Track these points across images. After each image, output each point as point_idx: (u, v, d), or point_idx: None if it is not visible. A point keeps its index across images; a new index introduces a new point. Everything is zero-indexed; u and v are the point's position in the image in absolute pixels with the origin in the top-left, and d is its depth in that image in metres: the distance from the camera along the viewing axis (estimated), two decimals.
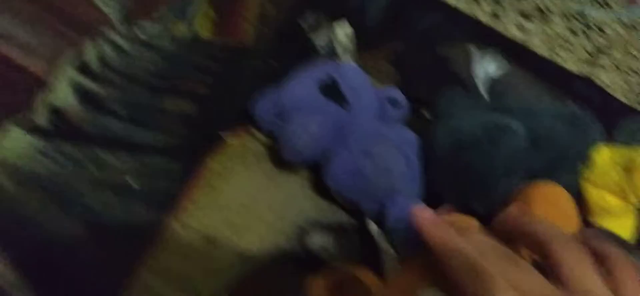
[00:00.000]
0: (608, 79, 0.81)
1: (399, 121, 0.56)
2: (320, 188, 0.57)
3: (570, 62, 0.81)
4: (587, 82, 0.81)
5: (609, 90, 0.81)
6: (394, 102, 0.55)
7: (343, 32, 0.54)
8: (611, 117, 0.78)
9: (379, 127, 0.52)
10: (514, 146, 0.45)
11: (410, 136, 0.51)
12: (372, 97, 0.55)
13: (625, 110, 0.80)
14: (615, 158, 0.44)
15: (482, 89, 0.56)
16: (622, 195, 0.43)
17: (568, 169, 0.46)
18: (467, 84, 0.61)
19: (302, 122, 0.50)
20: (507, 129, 0.45)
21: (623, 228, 0.45)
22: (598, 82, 0.82)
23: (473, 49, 0.60)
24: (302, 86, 0.53)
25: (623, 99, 0.81)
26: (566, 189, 0.46)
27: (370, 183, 0.50)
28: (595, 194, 0.45)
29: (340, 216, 0.58)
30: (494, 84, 0.58)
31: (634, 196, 0.43)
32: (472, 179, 0.46)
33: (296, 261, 0.54)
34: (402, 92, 0.55)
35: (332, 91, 0.53)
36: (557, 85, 0.78)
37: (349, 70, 0.55)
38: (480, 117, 0.47)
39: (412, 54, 0.71)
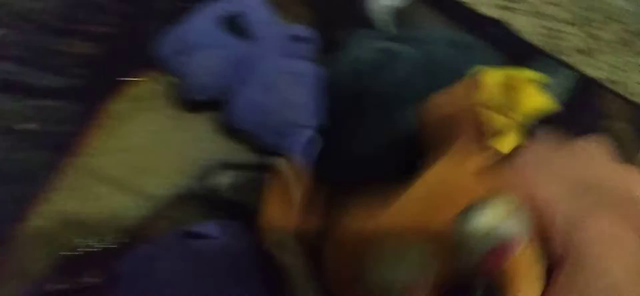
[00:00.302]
0: (520, 23, 0.83)
1: (305, 57, 0.55)
2: (227, 129, 0.56)
3: (484, 7, 0.83)
4: (500, 26, 0.83)
5: (521, 34, 0.83)
6: (299, 39, 0.55)
7: None
8: (522, 60, 0.81)
9: (281, 62, 0.51)
10: (406, 71, 0.45)
11: (313, 69, 0.51)
12: (277, 33, 0.54)
13: (535, 52, 0.83)
14: (501, 79, 0.45)
15: (384, 22, 0.56)
16: (509, 115, 0.44)
17: None
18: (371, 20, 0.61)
19: (198, 58, 0.49)
20: (399, 56, 0.46)
21: (511, 145, 0.47)
22: (510, 26, 0.84)
23: None
24: (203, 21, 0.52)
25: (535, 42, 0.84)
26: None
27: (272, 116, 0.50)
28: (485, 115, 0.46)
29: (246, 155, 0.57)
30: (399, 17, 0.58)
31: (515, 113, 0.45)
32: (366, 105, 0.46)
33: (200, 200, 0.53)
34: (316, 32, 0.54)
35: (235, 25, 0.52)
36: (469, 27, 0.79)
37: (252, 4, 0.54)
38: (376, 46, 0.47)
39: None
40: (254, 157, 0.57)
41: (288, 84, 0.49)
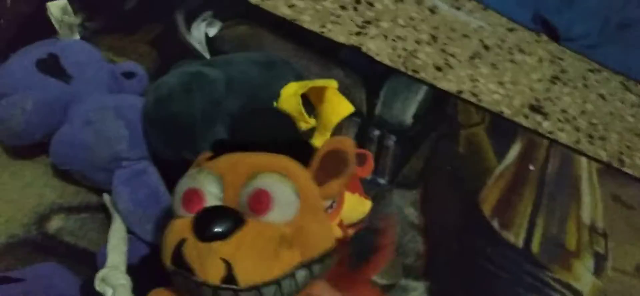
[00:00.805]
0: (375, 47, 0.89)
1: (135, 92, 0.56)
2: (62, 173, 0.56)
3: (340, 34, 0.88)
4: (355, 51, 0.88)
5: (376, 56, 0.88)
6: (128, 75, 0.56)
7: (56, 6, 0.54)
8: (377, 80, 0.86)
9: (101, 98, 0.52)
10: (209, 91, 0.47)
11: (135, 101, 0.52)
12: (99, 70, 0.55)
13: (389, 72, 0.88)
14: (299, 89, 0.48)
15: (201, 49, 0.58)
16: (303, 119, 0.47)
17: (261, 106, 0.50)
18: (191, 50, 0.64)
19: (16, 100, 0.49)
20: (201, 77, 0.47)
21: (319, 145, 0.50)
22: (365, 50, 0.89)
23: (180, 16, 0.63)
24: (19, 65, 0.52)
25: (389, 63, 0.90)
26: None
27: (93, 152, 0.50)
28: None
29: (83, 197, 0.57)
30: (214, 44, 0.61)
31: (309, 119, 0.48)
32: (176, 131, 0.48)
33: (33, 247, 0.52)
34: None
35: (52, 67, 0.52)
36: (325, 54, 0.84)
37: (71, 45, 0.55)
38: (181, 71, 0.49)
39: (168, 34, 0.73)
40: (89, 197, 0.57)
41: (108, 119, 0.49)
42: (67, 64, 0.53)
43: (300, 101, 0.46)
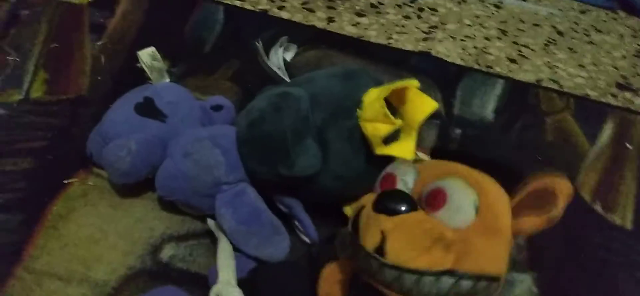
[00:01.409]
0: (444, 49, 0.89)
1: (225, 122, 0.60)
2: (168, 205, 0.60)
3: (407, 43, 0.89)
4: (425, 56, 0.88)
5: (447, 58, 0.88)
6: (217, 108, 0.60)
7: (146, 54, 0.59)
8: (452, 80, 0.86)
9: (196, 131, 0.56)
10: (296, 108, 0.49)
11: (228, 130, 0.56)
12: (191, 107, 0.59)
13: (463, 71, 0.88)
14: (381, 94, 0.49)
15: (281, 73, 0.61)
16: (389, 121, 0.48)
17: (346, 116, 0.51)
18: (271, 74, 0.68)
19: (121, 144, 0.54)
20: (287, 96, 0.50)
21: (406, 149, 0.50)
22: (434, 53, 0.89)
23: (259, 45, 0.66)
24: (119, 112, 0.57)
25: (460, 62, 0.89)
26: (349, 134, 0.51)
27: (194, 180, 0.54)
28: (370, 128, 0.50)
29: (190, 225, 0.61)
30: (292, 68, 0.64)
31: (395, 119, 0.48)
32: (269, 148, 0.50)
33: (150, 275, 0.56)
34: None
35: (149, 109, 0.57)
36: (395, 64, 0.85)
37: (163, 87, 0.59)
38: (268, 94, 0.52)
39: (246, 68, 0.77)
40: (195, 224, 0.60)
41: (205, 148, 0.53)
42: (162, 104, 0.57)
43: (383, 104, 0.47)
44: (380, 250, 0.37)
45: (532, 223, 0.39)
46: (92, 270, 0.56)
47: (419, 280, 0.36)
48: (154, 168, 0.55)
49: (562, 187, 0.39)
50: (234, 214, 0.52)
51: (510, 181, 0.44)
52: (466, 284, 0.37)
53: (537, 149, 0.77)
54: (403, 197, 0.40)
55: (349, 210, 0.59)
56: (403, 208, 0.38)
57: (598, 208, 0.72)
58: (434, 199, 0.39)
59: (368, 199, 0.42)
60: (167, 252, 0.58)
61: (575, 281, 0.64)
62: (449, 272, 0.37)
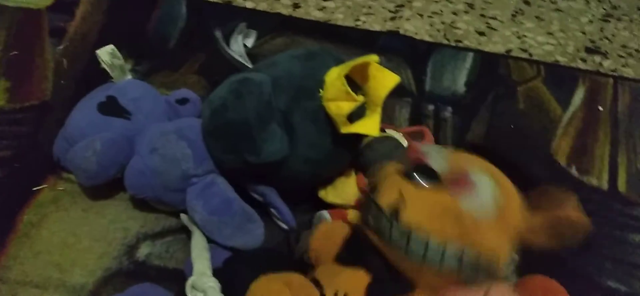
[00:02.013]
0: (412, 27, 0.89)
1: (191, 115, 0.59)
2: (142, 203, 0.59)
3: (375, 24, 0.89)
4: (393, 35, 0.88)
5: (415, 36, 0.88)
6: (182, 101, 0.59)
7: (105, 53, 0.58)
8: (421, 57, 0.86)
9: (161, 126, 0.55)
10: (258, 93, 0.49)
11: (194, 122, 0.55)
12: (156, 102, 0.59)
13: (432, 47, 0.88)
14: (341, 72, 0.49)
15: (243, 61, 0.61)
16: (351, 98, 0.48)
17: (309, 97, 0.51)
18: (235, 63, 0.67)
19: (86, 145, 0.53)
20: (248, 82, 0.50)
21: (371, 125, 0.50)
22: (403, 32, 0.89)
23: (218, 34, 0.66)
24: (83, 113, 0.56)
25: (429, 39, 0.89)
26: (314, 115, 0.51)
27: (163, 176, 0.53)
28: (333, 107, 0.49)
29: (165, 222, 0.61)
30: (260, 57, 0.63)
31: (357, 96, 0.48)
32: (234, 136, 0.50)
33: (127, 275, 0.56)
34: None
35: (113, 108, 0.56)
36: (363, 45, 0.85)
37: (126, 85, 0.59)
38: (229, 81, 0.52)
39: (212, 60, 0.77)
40: (170, 221, 0.60)
41: (171, 142, 0.52)
42: (125, 102, 0.56)
43: (345, 82, 0.47)
44: (394, 211, 0.38)
45: (546, 245, 0.42)
46: (68, 275, 0.55)
47: (426, 247, 0.37)
48: (122, 167, 0.55)
49: (582, 221, 0.42)
50: (205, 206, 0.52)
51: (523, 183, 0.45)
52: (468, 261, 0.38)
53: (511, 119, 0.78)
54: (430, 171, 0.41)
55: (324, 193, 0.58)
56: (427, 180, 0.40)
57: (573, 171, 0.73)
58: (458, 183, 0.40)
59: (399, 165, 0.43)
60: (143, 251, 0.58)
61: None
62: (453, 247, 0.38)
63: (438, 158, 0.42)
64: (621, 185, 0.72)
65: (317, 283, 0.41)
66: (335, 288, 0.39)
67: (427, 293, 0.40)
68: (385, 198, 0.39)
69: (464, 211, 0.38)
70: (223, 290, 0.47)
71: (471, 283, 0.39)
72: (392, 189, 0.39)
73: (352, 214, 0.54)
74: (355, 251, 0.41)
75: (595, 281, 0.62)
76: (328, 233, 0.48)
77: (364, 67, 0.48)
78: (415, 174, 0.40)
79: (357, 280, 0.40)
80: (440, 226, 0.38)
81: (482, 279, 0.39)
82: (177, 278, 0.55)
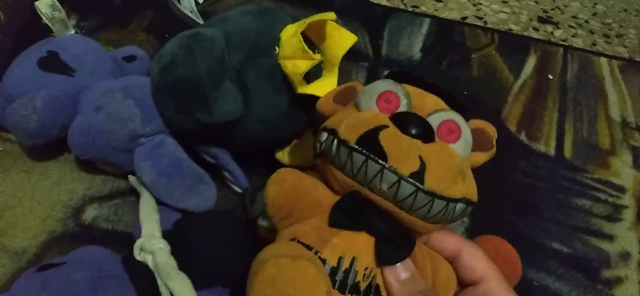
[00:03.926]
0: None
1: (139, 73, 0.57)
2: (88, 165, 0.57)
3: None
4: None
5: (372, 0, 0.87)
6: (129, 59, 0.57)
7: (45, 5, 0.54)
8: (378, 22, 0.85)
9: (106, 83, 0.52)
10: (210, 49, 0.47)
11: (141, 80, 0.53)
12: (101, 59, 0.56)
13: (389, 12, 0.87)
14: (298, 29, 0.48)
15: (194, 17, 0.59)
16: (308, 56, 0.47)
17: (264, 54, 0.50)
18: (185, 20, 0.65)
19: (25, 102, 0.50)
20: (199, 37, 0.47)
21: (329, 86, 0.49)
22: None
23: None
24: (21, 68, 0.53)
25: (386, 3, 0.88)
26: (269, 73, 0.49)
27: (109, 135, 0.51)
28: (290, 65, 0.48)
29: (113, 184, 0.58)
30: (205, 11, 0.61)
31: (314, 54, 0.47)
32: (185, 94, 0.48)
33: (73, 238, 0.54)
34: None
35: (54, 64, 0.53)
36: (319, 7, 0.83)
37: (68, 40, 0.55)
38: (180, 36, 0.49)
39: (162, 17, 0.74)
40: (118, 183, 0.58)
41: (117, 100, 0.50)
42: (67, 57, 0.53)
43: (301, 39, 0.45)
44: (418, 176, 0.36)
45: (483, 158, 0.42)
46: (9, 238, 0.53)
47: (446, 207, 0.37)
48: (66, 127, 0.52)
49: (493, 131, 0.44)
50: (153, 167, 0.50)
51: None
52: (468, 209, 0.39)
53: (465, 85, 0.78)
54: (425, 123, 0.38)
55: (281, 154, 0.57)
56: (430, 136, 0.38)
57: (523, 137, 0.75)
58: (450, 132, 0.39)
59: (379, 118, 0.39)
60: (89, 213, 0.56)
61: (503, 208, 0.67)
62: (463, 200, 0.38)
63: (406, 100, 0.41)
64: (567, 151, 0.74)
65: (305, 247, 0.38)
66: (338, 253, 0.37)
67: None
68: (406, 166, 0.36)
69: (464, 160, 0.39)
70: (173, 252, 0.46)
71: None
72: (411, 154, 0.37)
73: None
74: (352, 212, 0.39)
75: (539, 243, 0.64)
76: (296, 188, 0.41)
77: (321, 25, 0.47)
78: (422, 130, 0.38)
79: (360, 242, 0.38)
80: (455, 183, 0.37)
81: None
82: (126, 241, 0.53)
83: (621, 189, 0.71)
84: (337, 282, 0.37)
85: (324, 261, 0.37)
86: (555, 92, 0.82)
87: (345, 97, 0.44)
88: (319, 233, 0.39)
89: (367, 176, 0.37)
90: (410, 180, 0.36)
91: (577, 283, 0.63)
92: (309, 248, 0.38)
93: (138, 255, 0.46)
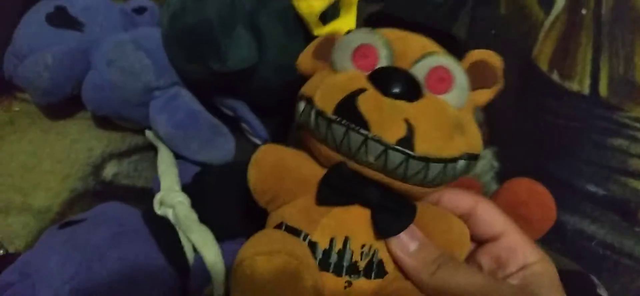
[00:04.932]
0: None
1: (149, 25, 0.55)
2: (105, 121, 0.56)
3: None
4: None
5: None
6: (140, 10, 0.55)
7: None
8: None
9: (117, 36, 0.51)
10: None
11: (152, 31, 0.51)
12: (110, 11, 0.54)
13: None
14: None
15: None
16: None
17: None
18: None
19: (36, 59, 0.49)
20: None
21: (347, 26, 0.47)
22: None
23: None
24: (30, 25, 0.52)
25: None
26: (282, 15, 0.47)
27: (122, 89, 0.50)
28: (304, 5, 0.46)
29: (131, 140, 0.57)
30: None
31: None
32: (196, 43, 0.46)
33: (94, 195, 0.53)
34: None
35: (63, 19, 0.52)
36: None
37: None
38: None
39: None
40: (136, 139, 0.57)
41: (129, 53, 0.48)
42: (76, 12, 0.52)
43: None
44: (406, 142, 0.31)
45: (487, 96, 0.37)
46: (31, 198, 0.53)
47: (444, 168, 0.33)
48: (79, 82, 0.51)
49: (497, 59, 0.37)
50: (169, 120, 0.48)
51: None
52: (473, 164, 0.35)
53: (492, 24, 0.74)
54: (409, 77, 0.34)
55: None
56: (416, 92, 0.33)
57: (555, 77, 0.71)
58: (441, 81, 0.34)
59: (355, 79, 0.34)
60: (109, 170, 0.55)
61: (535, 151, 0.64)
62: (465, 156, 0.34)
63: (385, 50, 0.35)
64: (603, 90, 0.70)
65: (293, 231, 0.35)
66: (329, 234, 0.34)
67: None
68: (392, 133, 0.32)
69: (458, 112, 0.34)
70: (193, 205, 0.45)
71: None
72: (395, 118, 0.32)
73: None
74: (340, 186, 0.35)
75: (574, 185, 0.62)
76: (278, 167, 0.37)
77: None
78: (404, 88, 0.33)
79: (353, 218, 0.34)
80: (452, 141, 0.33)
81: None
82: (146, 196, 0.52)
83: None
84: (331, 265, 0.34)
85: (314, 245, 0.34)
86: (589, 27, 0.77)
87: (324, 52, 0.38)
88: (307, 214, 0.35)
89: (351, 149, 0.33)
90: (398, 148, 0.31)
91: (614, 226, 0.60)
92: (298, 232, 0.35)
93: (158, 209, 0.45)
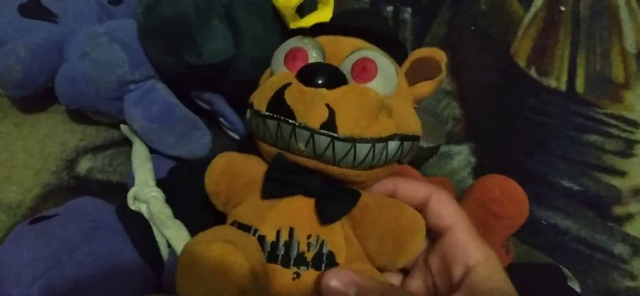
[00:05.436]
0: None
1: (128, 17, 0.54)
2: (80, 115, 0.55)
3: None
4: None
5: None
6: (115, 2, 0.54)
7: None
8: None
9: (91, 28, 0.50)
10: None
11: (127, 23, 0.50)
12: (85, 2, 0.53)
13: None
14: None
15: None
16: None
17: None
18: None
19: (8, 51, 0.48)
20: None
21: (324, 19, 0.46)
22: None
23: None
24: (2, 16, 0.51)
25: None
26: (259, 9, 0.46)
27: (97, 82, 0.49)
28: (281, 1, 0.45)
29: (106, 134, 0.57)
30: None
31: None
32: (171, 35, 0.45)
33: (67, 190, 0.52)
34: None
35: (36, 10, 0.51)
36: None
37: None
38: None
39: None
40: (112, 133, 0.56)
41: (103, 45, 0.47)
42: (50, 3, 0.51)
43: None
44: (330, 125, 0.34)
45: (429, 87, 0.40)
46: (3, 193, 0.52)
47: (373, 148, 0.34)
48: (52, 75, 0.50)
49: (441, 54, 0.40)
50: (144, 113, 0.48)
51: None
52: (407, 145, 0.37)
53: (472, 20, 0.75)
54: (331, 69, 0.36)
55: None
56: (337, 81, 0.35)
57: (533, 73, 0.71)
58: (364, 70, 0.37)
59: (284, 77, 0.37)
60: (84, 165, 0.54)
61: (512, 147, 0.64)
62: (395, 137, 0.36)
63: (315, 52, 0.39)
64: (579, 86, 0.71)
65: (244, 228, 0.37)
66: (275, 226, 0.35)
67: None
68: (314, 118, 0.34)
69: (384, 96, 0.36)
70: (168, 200, 0.44)
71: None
72: (316, 104, 0.34)
73: None
74: (281, 178, 0.37)
75: (549, 181, 0.62)
76: (228, 171, 0.40)
77: None
78: (325, 76, 0.36)
79: (297, 209, 0.36)
80: (376, 122, 0.35)
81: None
82: (121, 191, 0.52)
83: (634, 124, 0.68)
84: (279, 257, 0.35)
85: (262, 239, 0.35)
86: (567, 24, 0.78)
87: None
88: (256, 210, 0.37)
89: (284, 140, 0.35)
90: (323, 131, 0.34)
91: (588, 221, 0.61)
92: (248, 227, 0.36)
93: (132, 204, 0.44)
